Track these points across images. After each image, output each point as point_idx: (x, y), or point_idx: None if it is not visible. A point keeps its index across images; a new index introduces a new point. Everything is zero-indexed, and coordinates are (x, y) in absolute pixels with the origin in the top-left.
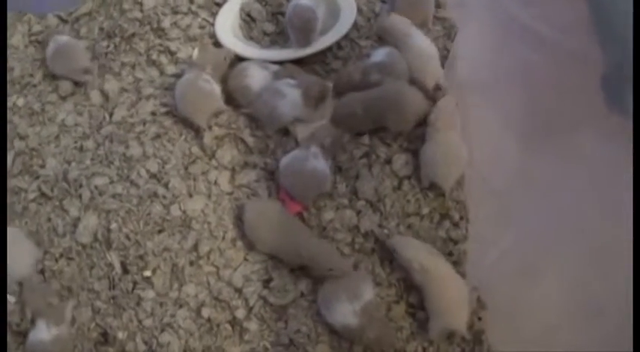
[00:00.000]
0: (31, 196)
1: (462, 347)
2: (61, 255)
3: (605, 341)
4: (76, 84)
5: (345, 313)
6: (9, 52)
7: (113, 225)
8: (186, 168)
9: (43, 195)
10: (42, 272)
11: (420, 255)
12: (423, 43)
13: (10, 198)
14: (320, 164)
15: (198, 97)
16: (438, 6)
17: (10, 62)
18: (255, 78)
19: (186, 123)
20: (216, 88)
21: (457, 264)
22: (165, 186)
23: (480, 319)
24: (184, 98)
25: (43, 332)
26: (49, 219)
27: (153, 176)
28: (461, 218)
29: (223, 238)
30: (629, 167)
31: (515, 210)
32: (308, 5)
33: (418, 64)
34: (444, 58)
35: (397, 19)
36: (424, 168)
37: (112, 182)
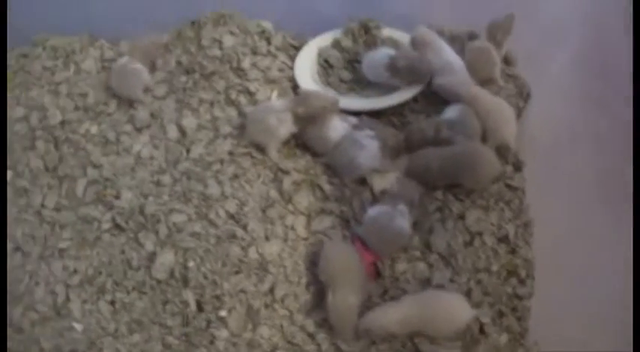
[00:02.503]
0: (105, 226)
1: None
2: (134, 288)
3: None
4: (152, 116)
5: None
6: (82, 76)
7: (191, 264)
8: (263, 211)
9: (117, 226)
10: (112, 303)
11: None
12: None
13: (82, 226)
14: (405, 224)
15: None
16: (509, 63)
17: (83, 88)
18: (336, 128)
19: (261, 161)
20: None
21: (521, 319)
22: (244, 228)
23: None
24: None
25: None
26: (123, 251)
27: (231, 217)
28: (527, 275)
29: (298, 283)
30: None
31: (579, 268)
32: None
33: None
34: (515, 117)
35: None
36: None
37: (190, 220)
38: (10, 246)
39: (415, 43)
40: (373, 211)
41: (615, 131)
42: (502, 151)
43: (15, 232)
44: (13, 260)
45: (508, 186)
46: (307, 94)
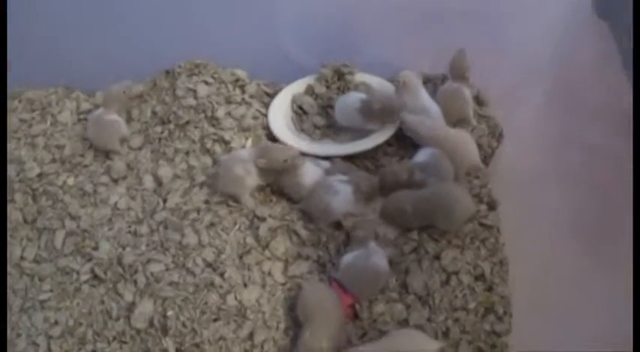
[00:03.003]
0: (84, 278)
1: None
2: (114, 338)
3: None
4: (128, 166)
5: None
6: (58, 128)
7: (170, 313)
8: (241, 258)
9: (96, 277)
10: None
11: None
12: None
13: (61, 278)
14: (382, 261)
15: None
16: (481, 103)
17: (60, 139)
18: (309, 175)
19: (237, 209)
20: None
21: None
22: (222, 275)
23: None
24: (225, 173)
25: None
26: (103, 302)
27: (209, 265)
28: (504, 312)
29: (277, 328)
30: None
31: (556, 304)
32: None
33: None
34: (489, 157)
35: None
36: None
37: (167, 269)
38: None
39: (398, 84)
40: (348, 257)
41: (588, 167)
42: (474, 172)
43: None
44: None
45: (482, 224)
46: (268, 147)
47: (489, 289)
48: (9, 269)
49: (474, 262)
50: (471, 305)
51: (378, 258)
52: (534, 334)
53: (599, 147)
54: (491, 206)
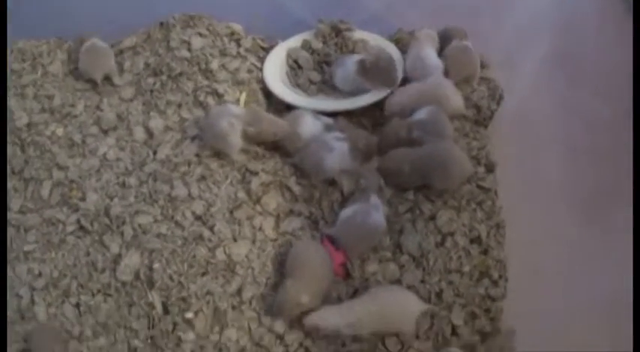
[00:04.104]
0: (70, 229)
1: None
2: (99, 291)
3: None
4: (119, 117)
5: None
6: (49, 79)
7: (156, 265)
8: (231, 213)
9: (82, 228)
10: (77, 306)
11: None
12: None
13: (46, 229)
14: (381, 218)
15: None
16: (482, 66)
17: (50, 90)
18: (307, 126)
19: (228, 163)
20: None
21: (494, 320)
22: (211, 229)
23: None
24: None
25: None
26: (88, 254)
27: (198, 218)
28: (500, 276)
29: (266, 284)
30: None
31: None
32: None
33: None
34: (488, 119)
35: None
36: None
37: (156, 221)
38: None
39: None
40: (347, 212)
41: (588, 132)
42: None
43: None
44: None
45: (480, 187)
46: (261, 117)
47: (485, 252)
48: None
49: (470, 224)
50: (466, 268)
51: (379, 215)
52: (529, 299)
53: (599, 111)
54: (489, 168)
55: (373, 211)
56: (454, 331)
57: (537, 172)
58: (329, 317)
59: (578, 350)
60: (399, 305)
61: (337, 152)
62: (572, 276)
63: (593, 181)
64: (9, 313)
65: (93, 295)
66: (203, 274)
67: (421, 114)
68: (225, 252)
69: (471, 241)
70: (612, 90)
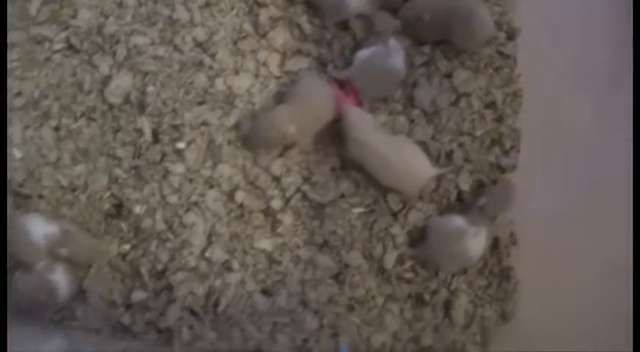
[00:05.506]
0: (57, 47)
1: (490, 281)
2: (83, 114)
3: None
4: None
5: None
6: None
7: (150, 88)
8: (235, 43)
9: (70, 47)
10: (57, 129)
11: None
12: None
13: (31, 47)
14: (401, 61)
15: None
16: None
17: None
18: None
19: None
20: None
21: None
22: (212, 57)
23: (509, 255)
24: None
25: None
26: (75, 74)
27: (199, 45)
28: (512, 147)
29: None
30: None
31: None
32: None
33: None
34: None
35: None
36: None
37: (153, 43)
38: None
39: None
40: (365, 52)
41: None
42: None
43: None
44: None
45: (500, 53)
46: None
47: (499, 120)
48: None
49: (487, 88)
50: (478, 132)
51: (399, 58)
52: (539, 176)
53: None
54: (510, 35)
55: (394, 53)
56: (459, 196)
57: (559, 41)
58: None
59: None
60: (406, 164)
61: None
62: (588, 149)
63: (608, 63)
64: None
65: (75, 118)
66: (200, 103)
67: None
68: (225, 83)
69: (486, 106)
70: None
